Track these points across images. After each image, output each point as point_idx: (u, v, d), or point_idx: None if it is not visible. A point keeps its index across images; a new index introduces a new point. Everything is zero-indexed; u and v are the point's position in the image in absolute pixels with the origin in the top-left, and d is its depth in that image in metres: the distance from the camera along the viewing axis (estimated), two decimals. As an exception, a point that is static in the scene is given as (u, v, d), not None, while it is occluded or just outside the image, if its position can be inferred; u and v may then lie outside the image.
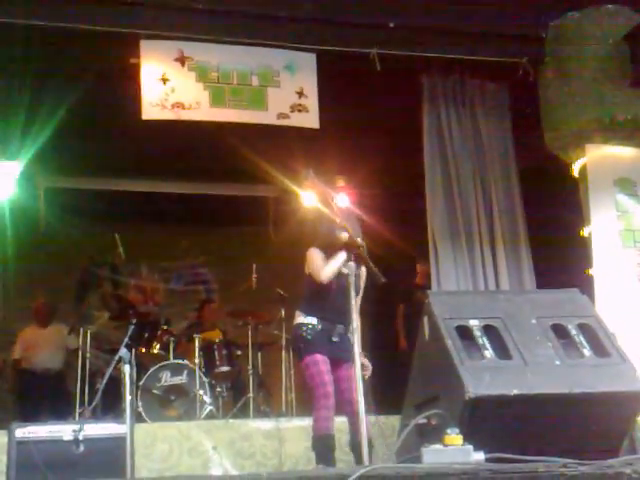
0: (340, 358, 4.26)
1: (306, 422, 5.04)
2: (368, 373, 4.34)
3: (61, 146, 6.65)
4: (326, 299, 4.29)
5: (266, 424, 5.37)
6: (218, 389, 6.53)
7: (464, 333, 3.27)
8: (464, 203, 6.19)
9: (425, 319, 3.54)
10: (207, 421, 5.89)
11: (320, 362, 4.20)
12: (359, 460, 4.03)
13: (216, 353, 6.69)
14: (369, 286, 4.49)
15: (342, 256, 4.24)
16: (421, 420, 3.23)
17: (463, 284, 5.93)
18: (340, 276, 4.24)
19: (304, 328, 4.29)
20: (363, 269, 4.36)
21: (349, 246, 4.21)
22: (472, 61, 6.05)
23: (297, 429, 5.08)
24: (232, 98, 5.83)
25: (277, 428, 5.15)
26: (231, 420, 5.74)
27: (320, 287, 4.28)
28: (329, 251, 4.33)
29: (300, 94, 5.85)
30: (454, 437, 2.86)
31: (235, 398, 6.71)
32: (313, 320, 4.30)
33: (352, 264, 4.15)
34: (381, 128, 6.66)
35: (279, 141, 6.25)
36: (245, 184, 7.82)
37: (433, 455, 2.84)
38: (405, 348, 6.81)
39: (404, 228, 7.03)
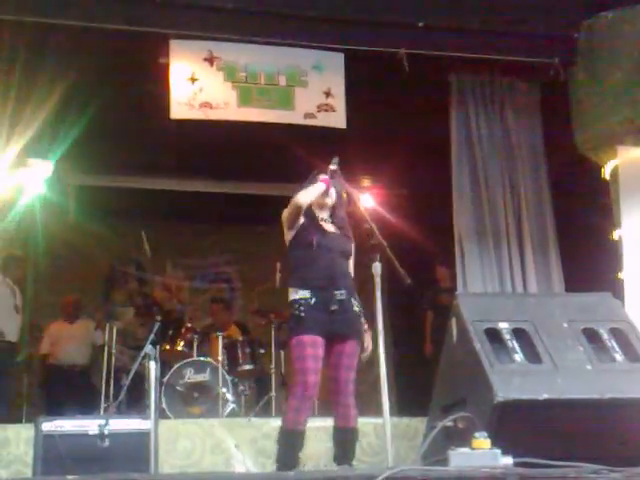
0: (341, 332, 3.86)
1: (328, 422, 4.98)
2: (367, 352, 3.99)
3: (90, 145, 6.70)
4: (315, 263, 3.91)
5: (285, 414, 5.33)
6: (241, 387, 6.55)
7: (493, 336, 3.23)
8: (492, 204, 6.14)
9: (453, 321, 3.50)
10: (229, 419, 5.91)
11: (307, 344, 3.76)
12: (341, 455, 3.86)
13: (239, 351, 6.71)
14: (397, 291, 4.41)
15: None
16: (448, 423, 3.19)
17: (490, 286, 5.87)
18: (325, 235, 3.97)
19: (296, 305, 3.86)
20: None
21: (375, 247, 4.16)
22: (502, 61, 6.00)
23: (318, 429, 5.02)
24: (259, 98, 5.85)
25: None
26: (253, 418, 5.74)
27: (306, 249, 3.92)
28: (308, 217, 4.01)
29: (327, 94, 5.85)
30: (482, 441, 2.82)
31: (257, 396, 6.73)
32: (306, 293, 3.85)
33: (378, 264, 4.11)
34: (408, 128, 6.62)
35: (305, 141, 6.24)
36: (270, 183, 7.82)
37: (460, 458, 2.80)
38: (431, 353, 6.76)
39: (430, 229, 6.99)
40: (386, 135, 6.73)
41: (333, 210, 4.14)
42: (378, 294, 3.99)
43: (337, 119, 5.84)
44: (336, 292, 3.89)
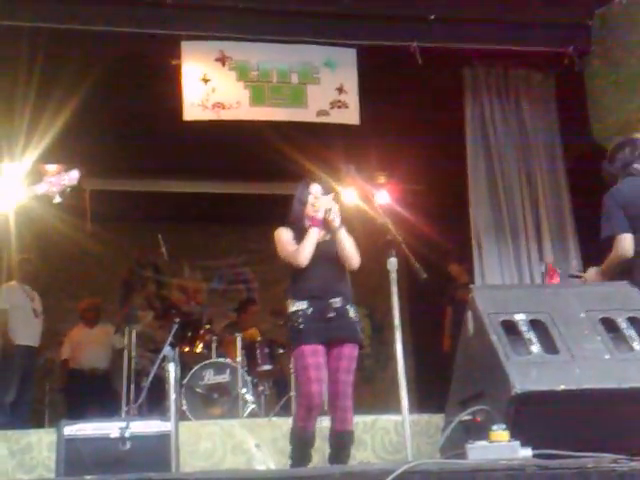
0: (339, 337, 3.94)
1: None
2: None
3: (106, 149, 6.74)
4: (310, 273, 4.01)
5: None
6: (260, 387, 6.54)
7: (509, 328, 3.18)
8: (509, 197, 6.08)
9: (469, 314, 3.46)
10: (250, 419, 5.91)
11: (307, 354, 3.88)
12: (337, 456, 3.90)
13: (258, 352, 6.72)
14: (414, 286, 4.39)
15: (314, 234, 4.03)
16: (465, 417, 3.16)
17: (508, 280, 5.82)
18: (319, 245, 4.02)
19: (294, 317, 3.98)
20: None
21: (391, 242, 4.14)
22: (516, 51, 5.92)
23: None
24: (272, 96, 5.84)
25: (319, 427, 5.12)
26: (273, 418, 5.73)
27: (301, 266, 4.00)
28: (300, 228, 4.10)
29: (340, 90, 5.82)
30: (500, 433, 2.79)
31: (277, 396, 6.72)
32: (303, 304, 3.98)
33: (394, 260, 4.09)
34: (423, 122, 6.59)
35: (319, 138, 6.23)
36: (285, 182, 7.82)
37: (478, 451, 2.77)
38: (449, 349, 6.73)
39: (445, 224, 6.95)
40: (400, 130, 6.69)
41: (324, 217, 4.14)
42: (394, 290, 3.98)
43: (350, 115, 5.81)
44: (332, 300, 3.97)
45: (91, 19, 5.39)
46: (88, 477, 2.13)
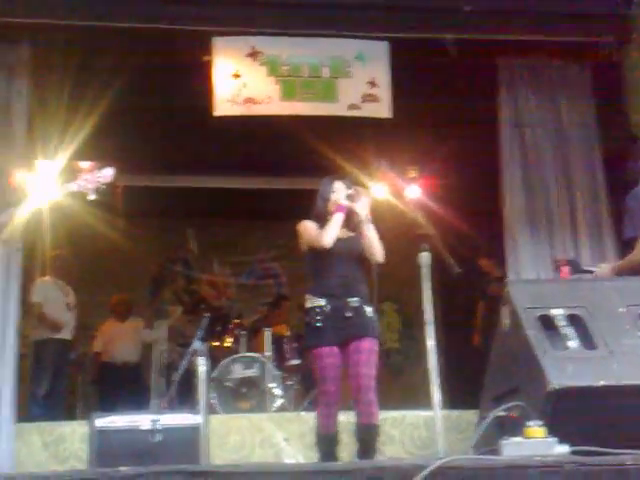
0: (355, 334, 3.95)
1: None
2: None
3: (137, 145, 6.78)
4: (330, 271, 4.02)
5: (342, 416, 5.31)
6: (289, 382, 6.54)
7: (546, 323, 3.13)
8: (544, 191, 5.93)
9: (504, 309, 3.42)
10: (278, 413, 5.92)
11: (324, 356, 3.93)
12: (364, 451, 3.90)
13: (286, 346, 6.72)
14: (445, 281, 4.35)
15: (338, 217, 4.04)
16: (500, 413, 3.12)
17: (543, 274, 5.71)
18: (340, 243, 4.03)
19: (312, 314, 3.99)
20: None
21: (423, 237, 4.12)
22: (552, 42, 5.79)
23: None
24: (303, 91, 5.81)
25: (347, 421, 5.10)
26: (302, 413, 5.73)
27: (321, 259, 4.02)
28: (323, 225, 4.09)
29: (372, 84, 5.77)
30: (536, 429, 2.74)
31: (305, 391, 6.70)
32: (322, 301, 3.98)
33: (426, 254, 4.06)
34: (456, 115, 6.48)
35: (350, 133, 6.19)
36: (315, 177, 7.80)
37: (513, 448, 2.72)
38: (479, 344, 6.66)
39: (477, 218, 6.86)
40: (433, 123, 6.62)
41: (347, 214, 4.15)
42: (426, 285, 3.96)
43: (382, 109, 5.75)
44: (350, 300, 3.97)
45: (122, 16, 5.41)
46: (122, 468, 2.12)
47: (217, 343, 6.85)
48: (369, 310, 4.03)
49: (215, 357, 6.46)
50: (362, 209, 4.10)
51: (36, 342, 6.80)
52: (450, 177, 6.85)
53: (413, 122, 6.36)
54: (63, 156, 6.68)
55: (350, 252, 4.06)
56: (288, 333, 6.90)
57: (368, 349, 3.94)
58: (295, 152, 6.98)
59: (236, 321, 7.04)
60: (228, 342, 6.85)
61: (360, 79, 5.78)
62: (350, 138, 6.22)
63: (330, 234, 4.00)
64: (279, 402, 6.16)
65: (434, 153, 6.66)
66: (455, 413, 5.11)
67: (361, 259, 4.12)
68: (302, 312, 6.55)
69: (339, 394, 3.98)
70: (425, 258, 4.03)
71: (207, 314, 6.56)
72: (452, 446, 4.18)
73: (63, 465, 4.91)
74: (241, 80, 5.73)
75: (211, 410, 5.74)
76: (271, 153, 7.27)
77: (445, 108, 6.41)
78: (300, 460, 5.03)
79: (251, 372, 6.29)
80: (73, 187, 3.69)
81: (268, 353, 6.44)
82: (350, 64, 5.79)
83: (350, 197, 4.11)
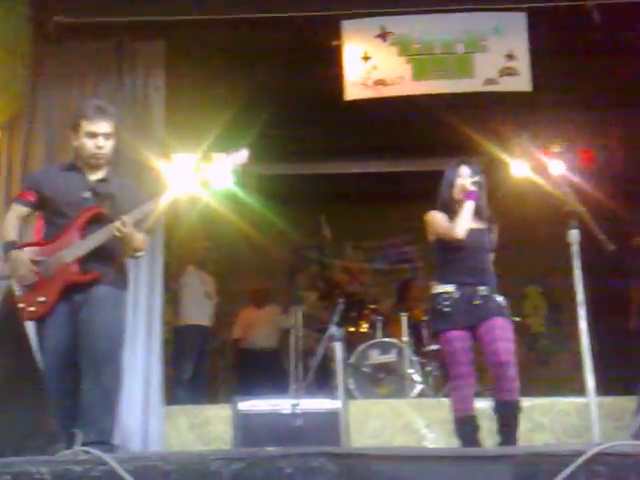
0: (482, 318, 3.85)
1: (524, 402, 4.80)
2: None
3: (268, 133, 6.87)
4: (462, 261, 3.93)
5: (478, 403, 5.17)
6: (428, 367, 6.44)
7: None
8: None
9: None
10: (418, 399, 5.84)
11: (454, 340, 3.87)
12: (506, 430, 3.76)
13: (424, 331, 6.60)
14: (596, 260, 4.10)
15: (469, 206, 3.92)
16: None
17: None
18: (471, 235, 3.90)
19: (440, 299, 3.93)
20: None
21: (571, 214, 3.89)
22: None
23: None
24: (436, 69, 5.66)
25: (490, 407, 4.94)
26: (443, 399, 5.61)
27: (451, 251, 3.94)
28: (450, 212, 4.00)
29: (509, 57, 5.53)
30: None
31: (445, 377, 6.55)
32: (450, 287, 3.92)
33: (575, 232, 3.85)
34: (599, 86, 6.13)
35: (487, 108, 5.98)
36: (449, 158, 7.62)
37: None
38: (634, 328, 6.28)
39: (629, 195, 6.46)
40: (575, 95, 6.28)
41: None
42: (576, 263, 3.77)
43: (521, 82, 5.50)
44: (480, 287, 3.90)
45: (252, 8, 5.46)
46: (269, 448, 2.12)
47: (353, 329, 6.84)
48: (499, 298, 3.94)
49: (351, 343, 6.45)
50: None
51: (177, 329, 7.08)
52: (596, 150, 6.49)
53: (553, 95, 6.05)
54: (199, 148, 6.90)
55: (478, 242, 3.97)
56: (425, 318, 6.78)
57: (501, 326, 3.83)
58: (428, 132, 6.85)
59: (372, 306, 7.00)
60: (364, 328, 6.83)
61: (497, 53, 5.55)
62: (486, 114, 6.01)
63: (462, 225, 3.92)
64: (418, 388, 6.08)
65: (579, 126, 6.31)
66: (609, 399, 4.83)
67: (489, 250, 4.04)
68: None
69: (472, 377, 3.90)
70: (574, 235, 3.82)
71: (342, 300, 6.57)
72: (607, 434, 3.94)
73: (209, 447, 5.06)
74: (371, 62, 5.66)
75: (349, 395, 5.75)
76: (403, 135, 7.16)
77: (587, 79, 6.06)
78: (443, 447, 4.92)
79: (388, 358, 6.24)
80: (209, 171, 3.76)
81: (405, 338, 6.36)
82: (485, 38, 5.58)
83: (476, 183, 3.99)
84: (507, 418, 3.83)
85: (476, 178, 4.02)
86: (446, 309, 3.89)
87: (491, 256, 4.07)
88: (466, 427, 3.88)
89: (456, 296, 3.90)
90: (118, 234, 3.52)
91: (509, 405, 3.82)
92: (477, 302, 3.86)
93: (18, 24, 5.03)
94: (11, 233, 3.61)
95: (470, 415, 3.89)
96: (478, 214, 4.02)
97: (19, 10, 5.06)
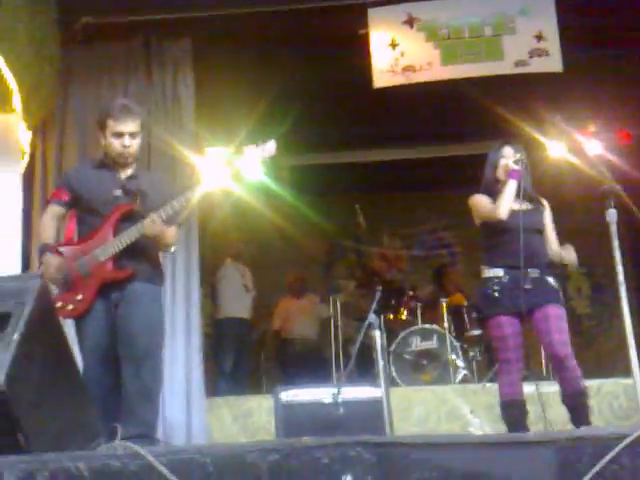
0: (535, 303, 3.79)
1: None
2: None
3: (299, 124, 6.86)
4: (509, 244, 3.86)
5: (526, 388, 5.11)
6: (471, 353, 6.39)
7: None
8: None
9: None
10: (462, 385, 5.80)
11: (504, 325, 3.82)
12: (576, 417, 3.73)
13: (465, 317, 6.56)
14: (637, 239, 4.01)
15: (512, 185, 3.86)
16: None
17: None
18: (517, 216, 3.84)
19: (490, 283, 3.88)
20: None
21: (608, 192, 3.80)
22: None
23: (559, 394, 4.76)
24: (465, 52, 5.61)
25: (538, 393, 4.88)
26: (487, 384, 5.55)
27: (497, 234, 3.90)
28: (494, 194, 3.95)
29: (539, 37, 5.45)
30: None
31: (489, 362, 6.50)
32: (499, 271, 3.87)
33: (613, 211, 3.76)
34: (633, 63, 5.98)
35: (518, 91, 5.87)
36: (482, 142, 7.51)
37: None
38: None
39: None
40: (608, 73, 6.13)
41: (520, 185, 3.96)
42: (615, 243, 3.67)
43: (552, 63, 5.41)
44: (530, 270, 3.82)
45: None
46: (305, 438, 2.11)
47: (393, 316, 6.82)
48: (551, 280, 3.89)
49: (392, 330, 6.44)
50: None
51: (216, 322, 7.14)
52: (632, 129, 6.34)
53: (585, 74, 5.93)
54: (232, 141, 6.93)
55: (528, 224, 3.89)
56: (465, 303, 6.72)
57: (555, 315, 3.78)
58: (458, 117, 6.76)
59: (411, 293, 6.96)
60: (404, 315, 6.80)
61: (526, 34, 5.48)
62: (519, 96, 5.90)
63: (504, 205, 3.87)
64: (462, 374, 6.04)
65: (611, 105, 6.17)
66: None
67: (539, 231, 3.97)
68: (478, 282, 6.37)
69: (520, 362, 3.86)
70: (612, 215, 3.73)
71: (380, 287, 6.53)
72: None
73: (253, 438, 5.10)
74: (398, 49, 5.64)
75: (392, 382, 5.74)
76: (433, 120, 7.08)
77: (619, 56, 5.92)
78: (489, 432, 4.89)
79: (430, 344, 6.21)
80: (240, 163, 3.77)
81: (446, 324, 6.31)
82: (514, 19, 5.51)
83: (519, 162, 3.95)
84: (575, 407, 3.80)
85: (518, 156, 3.98)
86: (495, 294, 3.85)
87: (543, 237, 3.99)
88: (514, 411, 3.86)
89: (505, 280, 3.85)
90: (148, 232, 3.55)
91: (574, 395, 3.79)
92: (528, 286, 3.79)
93: (45, 27, 5.09)
94: (46, 234, 3.68)
95: (518, 399, 3.86)
96: (524, 195, 3.96)
97: (46, 13, 5.11)
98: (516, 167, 3.94)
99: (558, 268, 4.02)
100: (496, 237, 3.94)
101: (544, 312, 3.78)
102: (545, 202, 4.10)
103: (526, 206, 3.97)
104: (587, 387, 3.81)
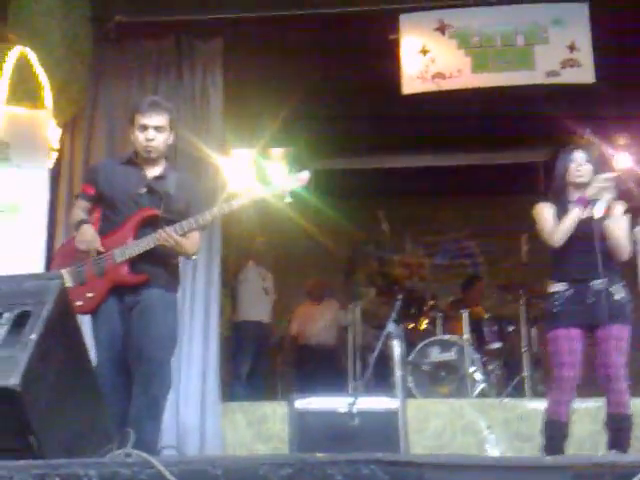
0: (600, 321, 3.68)
1: (591, 404, 4.64)
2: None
3: (326, 129, 6.84)
4: (571, 254, 3.78)
5: (545, 405, 5.02)
6: (490, 367, 6.28)
7: None
8: None
9: None
10: (480, 399, 5.70)
11: (561, 339, 3.74)
12: (615, 442, 3.65)
13: (486, 329, 6.47)
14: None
15: (575, 213, 3.74)
16: None
17: None
18: (581, 224, 3.73)
19: (551, 299, 3.83)
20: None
21: (637, 209, 3.74)
22: None
23: (581, 411, 4.64)
24: (496, 61, 5.56)
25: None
26: (505, 399, 5.48)
27: (560, 247, 3.79)
28: (562, 202, 3.84)
29: (571, 48, 5.37)
30: None
31: (508, 376, 6.40)
32: (562, 286, 3.79)
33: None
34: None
35: (548, 101, 5.81)
36: (509, 151, 7.44)
37: None
38: None
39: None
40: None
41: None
42: (640, 261, 3.59)
43: (584, 74, 5.34)
44: (593, 282, 3.73)
45: (310, 3, 5.42)
46: (319, 455, 2.08)
47: (412, 325, 6.74)
48: (618, 293, 3.76)
49: (411, 340, 6.34)
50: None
51: (235, 324, 7.13)
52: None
53: (617, 86, 5.85)
54: (258, 144, 6.92)
55: (592, 232, 3.75)
56: (486, 315, 6.63)
57: (616, 336, 3.70)
58: (486, 125, 6.70)
59: (431, 303, 6.88)
60: (423, 324, 6.71)
61: (558, 44, 5.42)
62: (548, 106, 5.84)
63: (561, 234, 3.78)
64: (480, 387, 5.94)
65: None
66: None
67: (605, 238, 3.81)
68: (509, 292, 6.24)
69: (575, 381, 3.76)
70: (638, 233, 3.67)
71: (400, 296, 6.46)
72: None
73: (266, 444, 5.04)
74: (429, 56, 5.60)
75: (408, 394, 5.66)
76: (461, 128, 7.03)
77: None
78: (504, 450, 4.81)
79: (449, 356, 6.10)
80: (269, 191, 3.72)
81: (466, 336, 6.22)
82: (546, 29, 5.45)
83: (602, 190, 3.79)
84: (616, 432, 3.73)
85: (603, 183, 3.79)
86: (555, 309, 3.81)
87: (608, 244, 3.79)
88: (552, 432, 3.80)
89: (567, 295, 3.79)
90: (162, 244, 3.53)
91: (616, 418, 3.73)
92: (591, 300, 3.72)
93: (79, 24, 5.12)
94: (80, 215, 3.70)
95: (559, 421, 3.79)
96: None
97: (80, 10, 5.15)
98: (586, 195, 3.79)
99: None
100: (558, 251, 3.83)
101: (606, 332, 3.70)
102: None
103: (588, 213, 3.83)
104: (630, 416, 3.71)
